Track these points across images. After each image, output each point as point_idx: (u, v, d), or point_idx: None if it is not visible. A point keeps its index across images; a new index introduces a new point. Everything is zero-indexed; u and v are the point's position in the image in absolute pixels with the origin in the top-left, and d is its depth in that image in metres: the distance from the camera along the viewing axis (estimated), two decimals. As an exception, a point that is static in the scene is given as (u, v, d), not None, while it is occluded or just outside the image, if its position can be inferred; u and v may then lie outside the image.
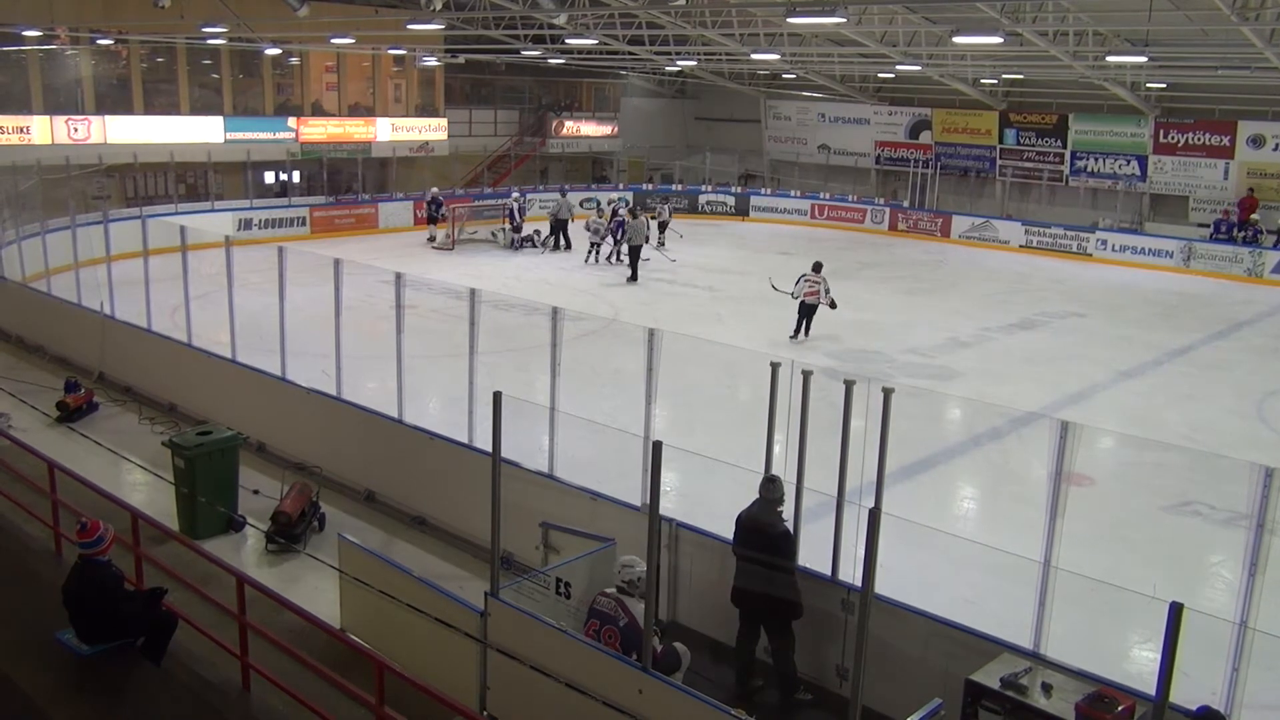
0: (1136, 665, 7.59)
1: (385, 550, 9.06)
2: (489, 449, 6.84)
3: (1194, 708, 5.51)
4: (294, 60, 29.70)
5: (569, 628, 6.77)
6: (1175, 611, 4.56)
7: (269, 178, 29.25)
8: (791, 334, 17.65)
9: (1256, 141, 28.18)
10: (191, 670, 6.60)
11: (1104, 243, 28.96)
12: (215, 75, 28.31)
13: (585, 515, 8.41)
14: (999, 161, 32.73)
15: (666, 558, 7.77)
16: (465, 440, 10.21)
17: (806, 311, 17.58)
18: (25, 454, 8.92)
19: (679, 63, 31.16)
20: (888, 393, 7.11)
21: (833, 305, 17.64)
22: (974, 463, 12.86)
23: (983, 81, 31.15)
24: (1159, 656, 4.62)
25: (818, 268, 17.95)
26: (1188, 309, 22.82)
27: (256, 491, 10.09)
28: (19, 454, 9.07)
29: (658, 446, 6.35)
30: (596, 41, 27.30)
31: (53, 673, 6.30)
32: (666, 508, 7.32)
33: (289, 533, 9.52)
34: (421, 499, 10.32)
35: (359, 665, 6.30)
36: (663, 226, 27.47)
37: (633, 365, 12.08)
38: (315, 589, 8.50)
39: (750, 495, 7.69)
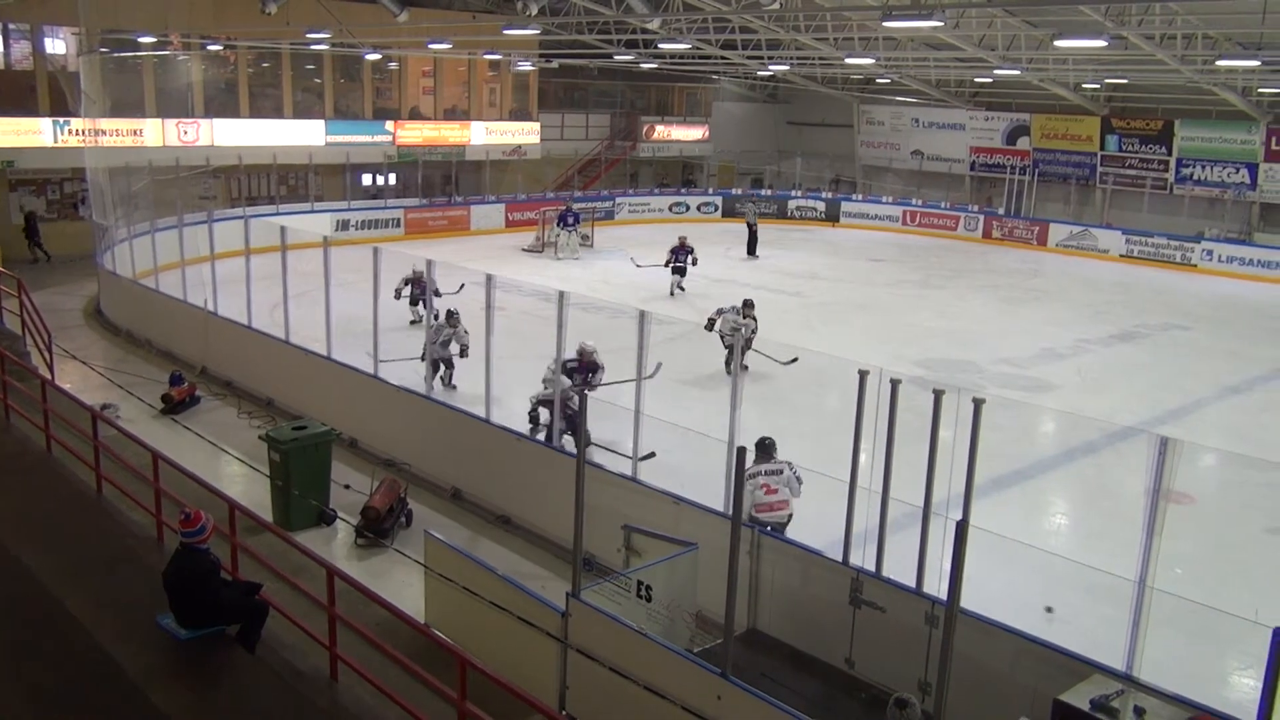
0: (1236, 693, 7.30)
1: (470, 548, 9.18)
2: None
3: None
4: (393, 65, 30.39)
5: (650, 631, 6.78)
6: (1279, 638, 4.39)
7: (366, 180, 29.97)
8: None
9: (1377, 148, 26.86)
10: (282, 658, 6.79)
11: (1209, 253, 27.90)
12: (318, 80, 29.12)
13: (668, 519, 8.43)
14: (1100, 168, 31.78)
15: (748, 564, 7.74)
16: (551, 440, 10.32)
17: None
18: (131, 444, 9.28)
19: (771, 67, 31.01)
20: (978, 403, 6.97)
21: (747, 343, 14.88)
22: (1067, 477, 12.52)
23: (1084, 86, 30.29)
24: (1260, 684, 4.45)
25: (748, 305, 15.69)
26: (1300, 323, 21.85)
27: (348, 486, 10.34)
28: (125, 443, 9.44)
29: (741, 451, 6.34)
30: (689, 46, 27.31)
31: (152, 655, 6.54)
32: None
33: (378, 528, 9.74)
34: (506, 498, 10.45)
35: (442, 660, 6.41)
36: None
37: (721, 369, 12.06)
38: (402, 583, 8.68)
39: (836, 504, 7.62)
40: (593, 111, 35.76)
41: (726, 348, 14.57)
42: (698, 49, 27.93)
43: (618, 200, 32.73)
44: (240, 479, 10.96)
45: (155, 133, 25.57)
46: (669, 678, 6.29)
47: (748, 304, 15.62)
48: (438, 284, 13.69)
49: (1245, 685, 7.41)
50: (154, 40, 24.84)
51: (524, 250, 26.81)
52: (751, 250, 27.52)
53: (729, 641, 6.15)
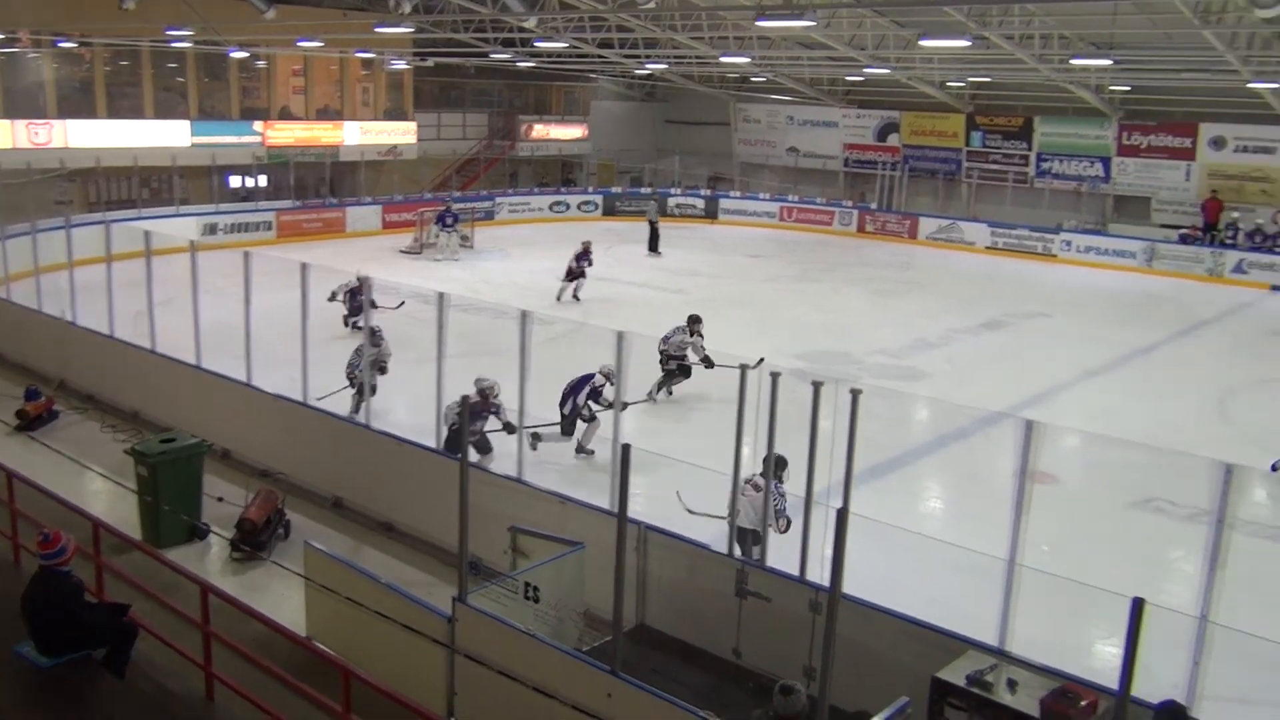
0: (1100, 661, 7.66)
1: (353, 557, 8.99)
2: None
3: (1156, 702, 5.56)
4: (261, 63, 29.47)
5: (538, 632, 6.74)
6: (1137, 607, 4.61)
7: (235, 181, 28.99)
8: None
9: (1217, 143, 28.57)
10: (154, 681, 6.52)
11: (1068, 243, 29.26)
12: (180, 79, 28.00)
13: (555, 519, 8.40)
14: (965, 164, 32.99)
15: (635, 561, 7.77)
16: (433, 445, 10.17)
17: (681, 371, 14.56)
18: (-17, 463, 8.77)
19: (648, 66, 31.20)
20: (855, 394, 7.16)
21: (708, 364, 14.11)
22: (941, 462, 12.95)
23: (949, 84, 31.40)
24: (1122, 652, 4.67)
25: (695, 321, 14.62)
26: (1150, 308, 23.11)
27: (221, 499, 9.98)
28: (-23, 463, 8.91)
29: (625, 449, 6.35)
30: (566, 45, 27.28)
31: (11, 687, 6.20)
32: (636, 510, 7.32)
33: (254, 540, 9.43)
34: (389, 505, 10.25)
35: (325, 673, 6.24)
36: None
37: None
38: (281, 597, 8.43)
39: (720, 496, 7.71)
40: (470, 111, 35.37)
41: (677, 370, 14.36)
42: (575, 48, 27.91)
43: (497, 200, 32.46)
44: (105, 496, 10.47)
45: (4, 134, 24.21)
46: (559, 678, 6.26)
47: (694, 320, 14.65)
48: (375, 298, 13.21)
49: (1108, 654, 7.78)
50: (1, 37, 23.51)
51: (402, 252, 26.34)
52: (654, 247, 27.74)
53: (618, 638, 6.16)
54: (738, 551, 7.92)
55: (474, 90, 35.61)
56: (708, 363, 13.98)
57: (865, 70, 28.40)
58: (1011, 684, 6.00)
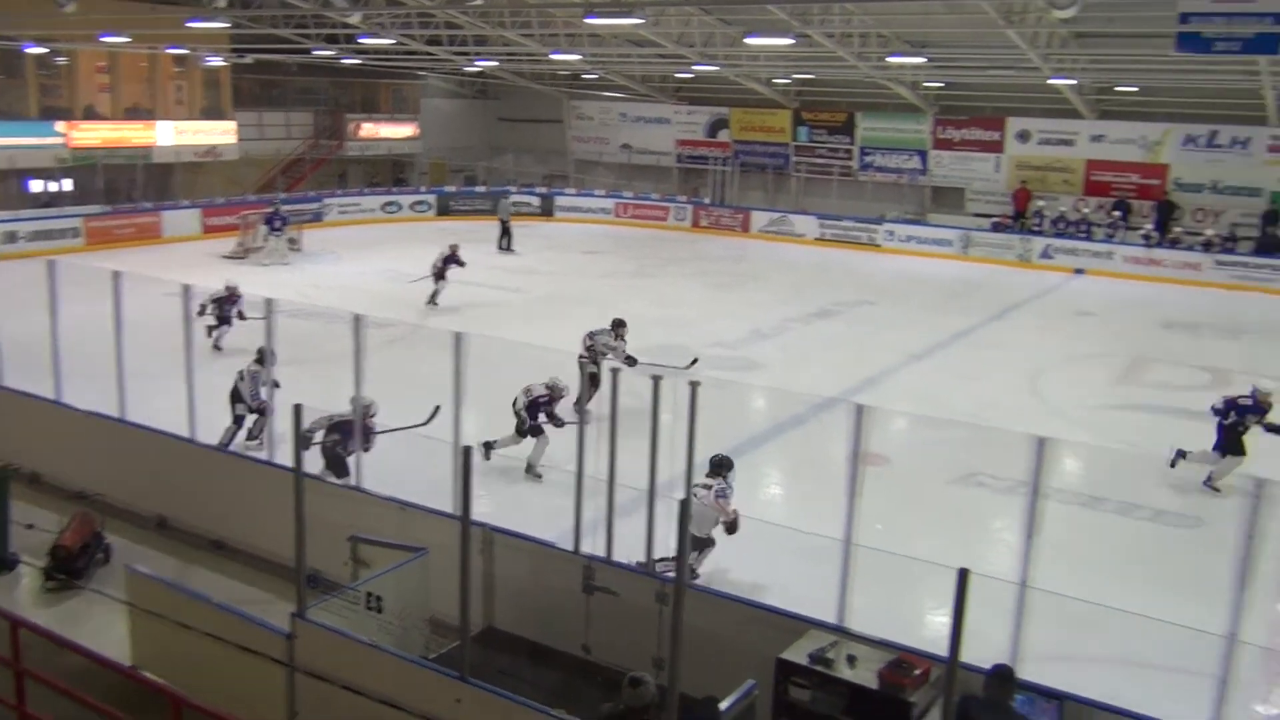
0: (933, 631, 8.00)
1: (181, 578, 8.54)
2: (291, 464, 6.57)
3: (988, 666, 5.85)
4: (61, 60, 27.61)
5: (383, 642, 6.57)
6: (963, 577, 4.84)
7: (36, 186, 27.09)
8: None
9: (1023, 136, 30.45)
10: (-40, 726, 6.04)
11: (891, 233, 30.60)
12: (-31, 76, 26.04)
13: (396, 526, 8.20)
14: (794, 158, 34.04)
15: (481, 563, 7.67)
16: (265, 457, 9.78)
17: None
18: None
19: (478, 63, 30.84)
20: (694, 385, 7.27)
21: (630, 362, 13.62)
22: (779, 449, 13.32)
23: (776, 81, 32.31)
24: (950, 620, 4.90)
25: (619, 325, 14.39)
26: (967, 294, 24.42)
27: (31, 526, 9.30)
28: None
29: (467, 451, 6.26)
30: (393, 41, 26.67)
31: None
32: (480, 512, 7.23)
33: (70, 567, 8.84)
34: (219, 522, 9.78)
35: (155, 703, 5.91)
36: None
37: (443, 370, 11.88)
38: (102, 626, 7.92)
39: (565, 496, 7.71)
40: (294, 109, 34.10)
41: (590, 380, 13.17)
42: (402, 44, 27.34)
43: (325, 201, 31.47)
44: (-103, 530, 9.60)
45: None
46: (406, 687, 6.12)
47: (619, 324, 14.29)
48: (243, 310, 12.45)
49: (940, 623, 8.16)
50: None
51: (225, 257, 25.15)
52: (508, 246, 27.56)
53: (465, 643, 6.07)
54: (586, 549, 7.92)
55: (297, 88, 34.37)
56: (630, 361, 13.52)
57: (694, 67, 28.89)
58: (851, 659, 6.22)
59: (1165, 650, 7.95)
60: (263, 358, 11.09)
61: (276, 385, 10.85)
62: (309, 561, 6.67)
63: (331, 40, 27.07)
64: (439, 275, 20.40)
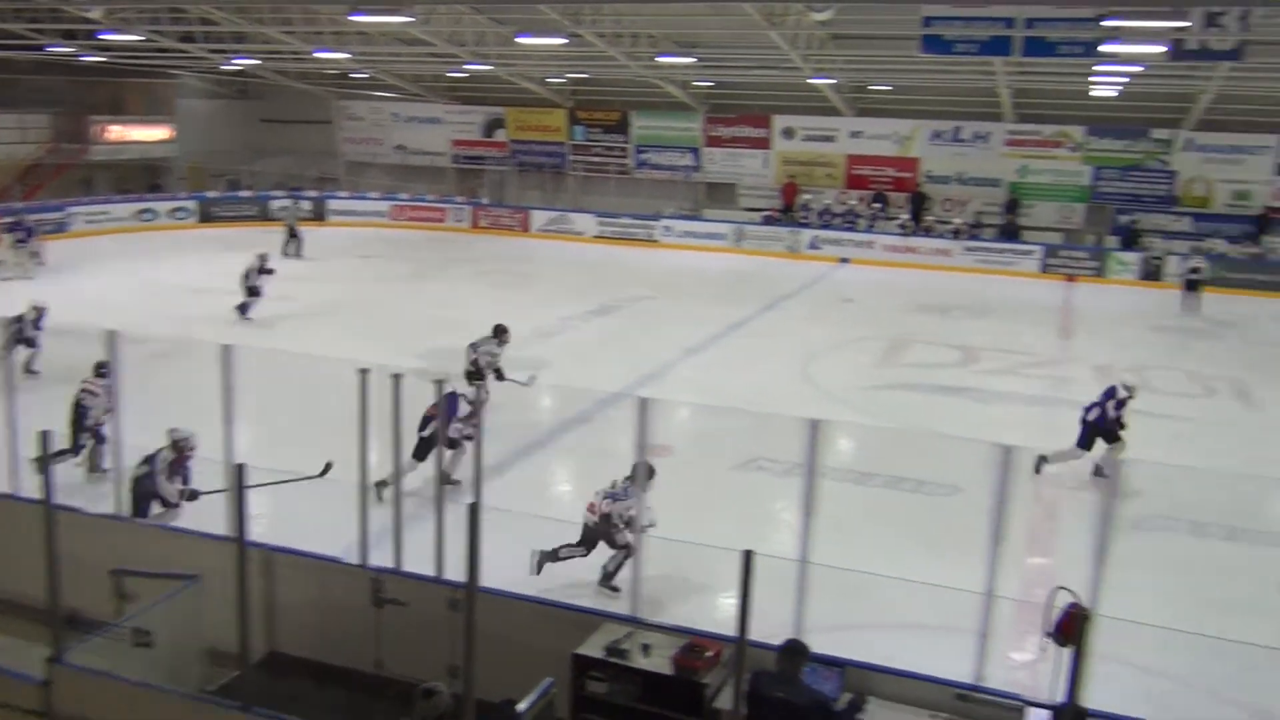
0: (724, 613, 8.26)
1: (-87, 630, 7.69)
2: (38, 496, 6.04)
3: (777, 643, 6.07)
4: None
5: (153, 680, 6.15)
6: (746, 558, 5.02)
7: None
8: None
9: (788, 133, 31.94)
10: None
11: (668, 229, 31.40)
12: None
13: (165, 554, 7.67)
14: (570, 157, 34.30)
15: (261, 585, 7.30)
16: (7, 490, 8.93)
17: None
18: None
19: (237, 61, 29.32)
20: (478, 388, 7.19)
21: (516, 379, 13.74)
22: (568, 446, 13.40)
23: (550, 81, 32.43)
24: (738, 601, 5.07)
25: (501, 331, 14.16)
26: (741, 286, 25.38)
27: None
28: None
29: (239, 469, 5.95)
30: (141, 38, 24.91)
31: None
32: (257, 533, 6.88)
33: None
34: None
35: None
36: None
37: (211, 385, 11.22)
38: None
39: (348, 507, 7.45)
40: (29, 111, 31.32)
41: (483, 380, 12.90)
42: (151, 41, 25.60)
43: (70, 210, 29.10)
44: None
45: None
46: (182, 724, 5.76)
47: (500, 330, 13.98)
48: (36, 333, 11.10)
49: (730, 605, 8.45)
50: None
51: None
52: (296, 252, 26.57)
53: (246, 671, 5.77)
54: (375, 561, 7.69)
55: (32, 88, 31.51)
56: (499, 375, 13.42)
57: (467, 66, 28.59)
58: (645, 648, 6.33)
59: (933, 610, 8.54)
60: (105, 369, 10.11)
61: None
62: (68, 600, 6.16)
63: (69, 36, 25.02)
64: (252, 290, 19.27)
